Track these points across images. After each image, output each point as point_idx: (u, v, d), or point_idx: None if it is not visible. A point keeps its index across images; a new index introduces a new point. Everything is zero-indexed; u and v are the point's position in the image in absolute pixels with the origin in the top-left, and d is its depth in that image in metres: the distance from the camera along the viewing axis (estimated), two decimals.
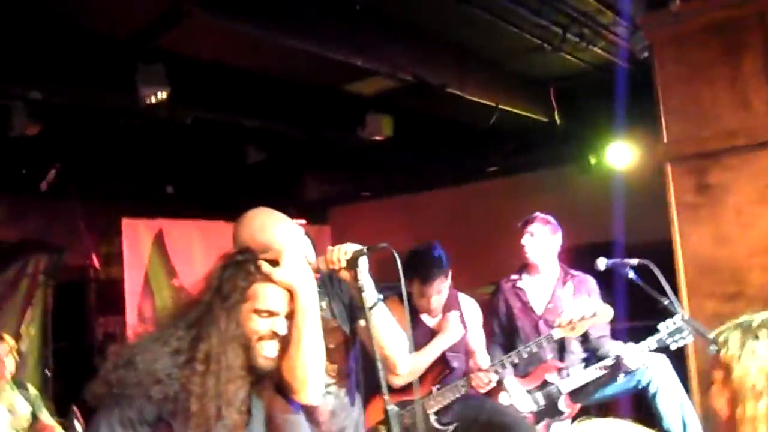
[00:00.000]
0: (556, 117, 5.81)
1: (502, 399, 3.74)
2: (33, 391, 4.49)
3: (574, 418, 3.72)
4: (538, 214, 4.00)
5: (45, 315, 5.72)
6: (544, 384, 3.79)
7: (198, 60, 4.55)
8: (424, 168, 6.88)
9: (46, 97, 4.58)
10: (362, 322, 2.44)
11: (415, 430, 3.40)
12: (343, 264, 2.29)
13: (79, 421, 4.33)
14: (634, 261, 3.49)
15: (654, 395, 3.68)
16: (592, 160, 5.93)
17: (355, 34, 4.33)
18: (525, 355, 3.62)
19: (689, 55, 3.82)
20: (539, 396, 3.78)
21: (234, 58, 4.60)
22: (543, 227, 3.93)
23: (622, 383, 3.78)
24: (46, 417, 4.38)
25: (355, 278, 2.28)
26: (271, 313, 2.01)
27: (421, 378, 3.48)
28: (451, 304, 3.67)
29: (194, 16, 3.81)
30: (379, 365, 2.16)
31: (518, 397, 3.73)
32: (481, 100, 5.25)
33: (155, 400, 1.89)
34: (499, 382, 3.70)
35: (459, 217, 6.75)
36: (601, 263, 3.55)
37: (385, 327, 2.41)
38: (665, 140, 3.87)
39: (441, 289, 3.58)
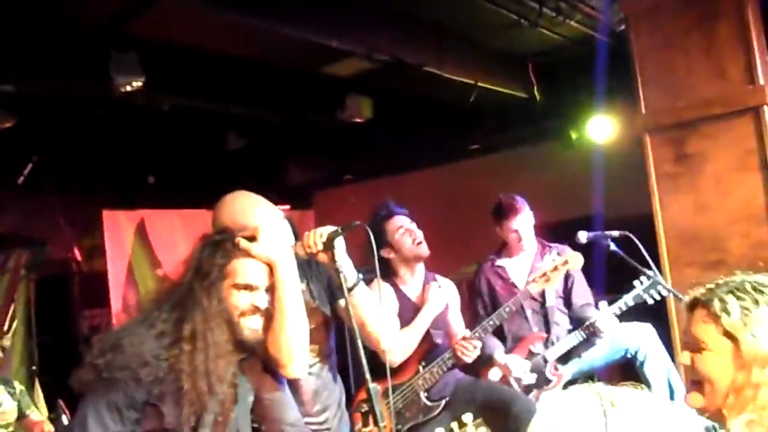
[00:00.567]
0: (536, 93, 5.80)
1: (492, 375, 3.76)
2: (19, 386, 4.46)
3: (565, 388, 3.76)
4: (515, 197, 3.99)
5: (28, 310, 5.68)
6: (530, 354, 3.82)
7: (172, 46, 4.49)
8: (406, 149, 6.86)
9: (20, 89, 4.52)
10: (342, 302, 2.46)
11: (408, 411, 3.42)
12: (320, 247, 2.32)
13: (66, 415, 4.32)
14: (615, 233, 3.54)
15: (642, 363, 3.75)
16: (574, 135, 5.93)
17: (331, 16, 4.29)
18: (504, 315, 3.64)
19: (664, 25, 3.82)
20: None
21: (209, 43, 4.55)
22: (526, 210, 3.94)
23: (610, 353, 3.83)
24: (33, 413, 4.35)
25: (333, 260, 2.30)
26: (251, 287, 2.04)
27: (407, 357, 3.48)
28: (428, 282, 3.67)
29: (165, 0, 3.76)
30: (360, 344, 2.18)
31: (515, 365, 3.75)
32: (460, 79, 5.23)
33: (144, 382, 1.90)
34: (489, 359, 3.71)
35: (442, 196, 6.75)
36: (582, 236, 3.58)
37: (365, 305, 2.44)
38: (643, 111, 3.89)
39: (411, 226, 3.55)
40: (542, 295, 3.88)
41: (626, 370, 3.95)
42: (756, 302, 1.62)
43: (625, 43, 4.01)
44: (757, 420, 1.59)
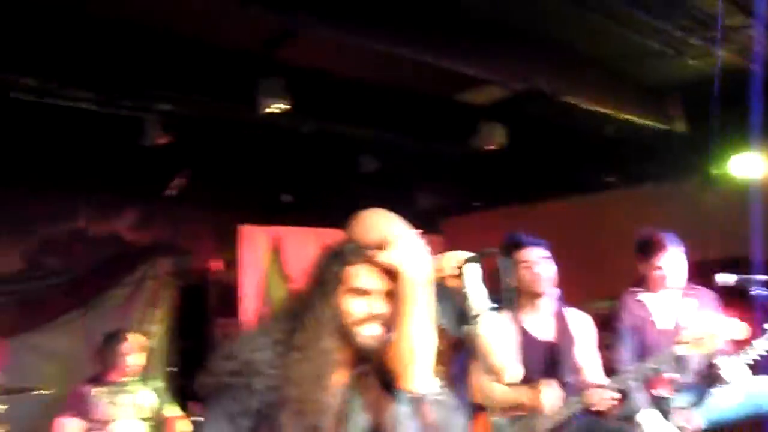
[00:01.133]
0: (678, 126, 5.55)
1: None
2: (159, 384, 4.75)
3: None
4: (665, 234, 3.79)
5: (170, 315, 6.03)
6: (653, 398, 3.61)
7: (314, 71, 4.69)
8: (538, 178, 6.75)
9: (175, 109, 4.86)
10: (469, 329, 2.42)
11: None
12: (453, 271, 2.28)
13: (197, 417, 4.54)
14: (764, 277, 3.30)
15: None
16: (715, 171, 5.62)
17: (468, 43, 4.32)
18: (650, 374, 3.45)
19: None
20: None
21: (348, 69, 4.71)
22: (675, 248, 3.75)
23: (742, 406, 3.56)
24: (169, 409, 4.62)
25: (462, 285, 2.26)
26: (365, 292, 1.98)
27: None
28: (561, 318, 3.57)
29: (308, 29, 3.94)
30: (485, 375, 2.13)
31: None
32: (599, 109, 5.10)
33: (257, 391, 1.89)
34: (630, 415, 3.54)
35: (573, 229, 6.55)
36: (721, 279, 3.37)
37: (490, 335, 2.38)
38: None
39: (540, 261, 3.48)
40: None
41: (757, 428, 3.67)
42: None
43: None
44: None
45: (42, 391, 4.48)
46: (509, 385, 2.68)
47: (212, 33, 4.25)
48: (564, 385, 3.42)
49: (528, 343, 3.42)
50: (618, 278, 4.36)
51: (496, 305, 2.42)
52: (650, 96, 5.52)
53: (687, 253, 3.83)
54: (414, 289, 2.02)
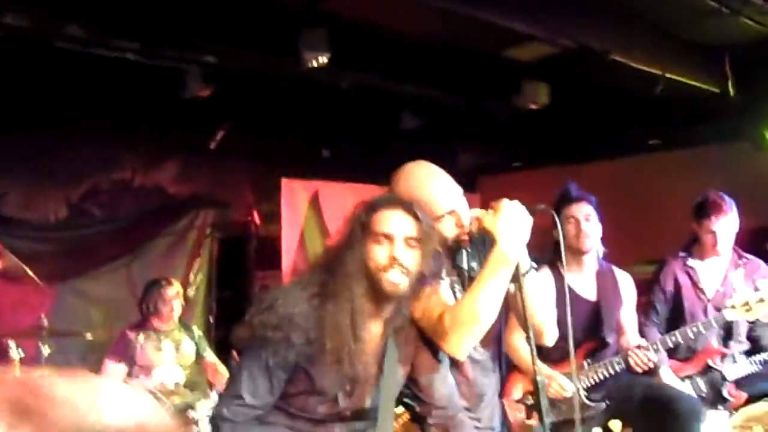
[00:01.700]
0: (730, 88, 5.38)
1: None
2: (198, 332, 4.86)
3: (737, 409, 3.49)
4: (723, 197, 3.68)
5: (210, 266, 6.13)
6: (707, 369, 3.56)
7: (357, 24, 4.63)
8: (581, 139, 6.62)
9: (219, 61, 4.86)
10: (512, 288, 2.40)
11: (562, 405, 3.31)
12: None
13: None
14: None
15: None
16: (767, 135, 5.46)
17: None
18: (691, 335, 3.38)
19: None
20: (701, 382, 3.57)
21: (392, 23, 4.63)
22: (732, 214, 3.65)
23: None
24: (209, 355, 4.74)
25: None
26: (387, 237, 2.00)
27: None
28: (605, 277, 3.53)
29: None
30: (530, 333, 2.12)
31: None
32: (647, 68, 4.96)
33: (295, 344, 1.93)
34: (655, 367, 3.51)
35: (615, 191, 6.41)
36: None
37: (534, 295, 2.35)
38: None
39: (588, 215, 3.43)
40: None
41: None
42: None
43: None
44: None
45: (87, 335, 4.61)
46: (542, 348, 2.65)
47: None
48: (605, 344, 3.40)
49: (571, 300, 3.40)
50: (659, 243, 4.30)
51: (535, 264, 2.40)
52: (702, 56, 5.34)
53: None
54: (501, 261, 2.04)
